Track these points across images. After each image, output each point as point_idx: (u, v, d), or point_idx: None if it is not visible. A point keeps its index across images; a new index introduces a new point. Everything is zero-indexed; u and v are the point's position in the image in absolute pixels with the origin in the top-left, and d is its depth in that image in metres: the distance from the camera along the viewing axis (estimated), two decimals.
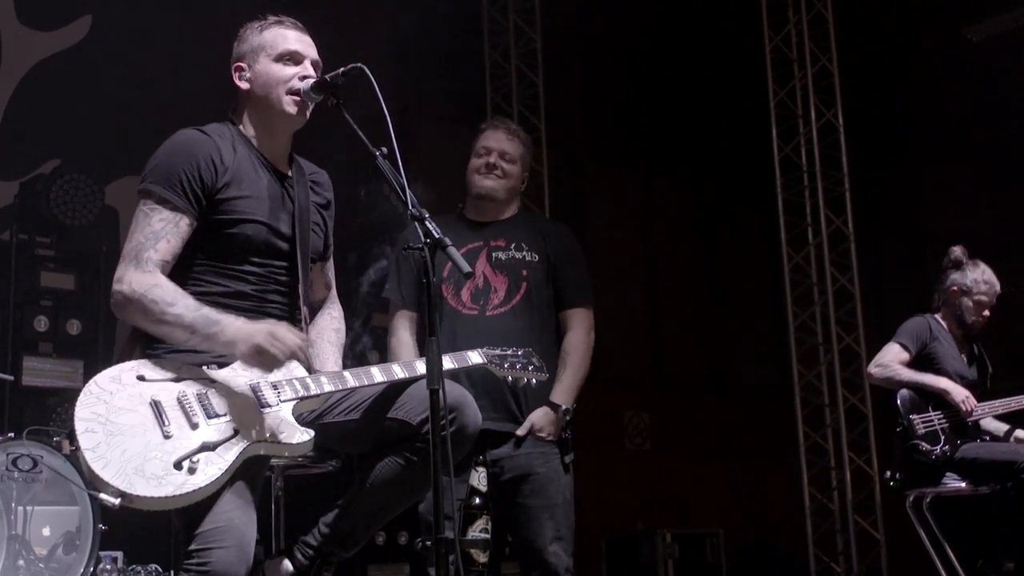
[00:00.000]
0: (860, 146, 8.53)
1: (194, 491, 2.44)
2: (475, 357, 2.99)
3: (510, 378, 3.04)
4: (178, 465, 2.44)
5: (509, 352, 3.07)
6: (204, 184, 2.70)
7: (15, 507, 4.35)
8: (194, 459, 2.46)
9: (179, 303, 2.60)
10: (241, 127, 2.87)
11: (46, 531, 4.48)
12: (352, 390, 2.76)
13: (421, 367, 2.76)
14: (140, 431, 2.46)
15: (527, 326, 3.72)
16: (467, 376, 3.48)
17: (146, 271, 2.62)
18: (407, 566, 6.13)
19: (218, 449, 2.50)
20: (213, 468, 2.47)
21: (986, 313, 5.08)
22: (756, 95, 8.35)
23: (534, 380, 3.07)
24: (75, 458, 4.40)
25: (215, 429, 2.52)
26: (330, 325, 3.02)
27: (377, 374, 2.75)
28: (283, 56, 2.83)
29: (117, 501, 2.38)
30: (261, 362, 2.59)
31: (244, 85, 2.85)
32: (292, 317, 2.80)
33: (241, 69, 2.86)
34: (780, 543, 8.87)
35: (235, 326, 2.59)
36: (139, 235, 2.66)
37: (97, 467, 2.39)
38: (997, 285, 5.10)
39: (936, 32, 9.39)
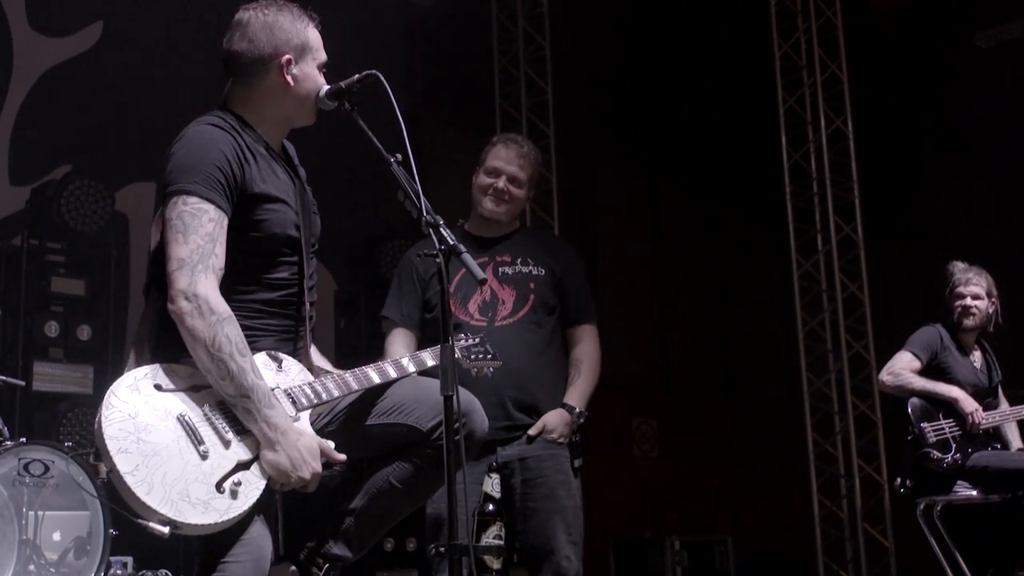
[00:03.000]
0: (870, 153, 8.52)
1: (238, 515, 2.40)
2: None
3: (474, 370, 3.05)
4: (219, 487, 2.39)
5: (469, 343, 3.08)
6: (237, 183, 2.60)
7: (26, 512, 4.35)
8: (235, 480, 2.41)
9: (248, 356, 2.48)
10: (242, 114, 2.74)
11: (57, 536, 4.47)
12: (358, 398, 2.74)
13: (409, 365, 2.78)
14: (176, 451, 2.39)
15: (535, 337, 3.76)
16: (476, 384, 3.50)
17: (217, 288, 2.49)
18: (415, 572, 6.12)
19: (252, 468, 2.45)
20: (253, 490, 2.43)
21: (968, 303, 5.08)
22: (765, 102, 8.35)
23: (491, 369, 3.07)
24: (95, 472, 4.41)
25: (246, 446, 2.48)
26: None
27: (373, 375, 2.73)
28: (323, 67, 2.79)
29: (167, 530, 2.30)
30: (277, 471, 2.47)
31: (291, 81, 2.73)
32: (300, 314, 2.75)
33: (291, 63, 2.73)
34: (789, 551, 8.84)
35: (287, 424, 2.48)
36: (196, 238, 2.49)
37: (141, 492, 2.30)
38: (983, 284, 5.11)
39: (946, 39, 9.39)
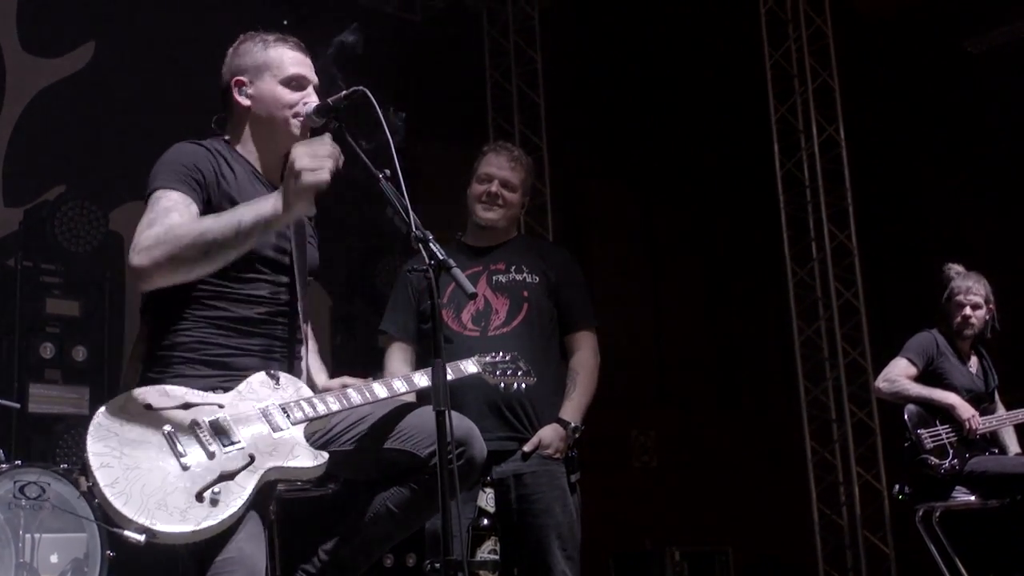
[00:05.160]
0: (862, 160, 8.53)
1: (217, 524, 2.39)
2: (470, 366, 2.98)
3: (502, 384, 3.03)
4: (200, 497, 2.39)
5: (498, 359, 3.07)
6: (206, 180, 2.64)
7: (23, 535, 4.34)
8: (215, 490, 2.40)
9: (205, 220, 2.47)
10: (235, 145, 2.81)
11: (54, 558, 4.46)
12: (358, 419, 2.74)
13: (420, 380, 2.77)
14: (157, 463, 2.41)
15: (529, 345, 3.70)
16: (472, 394, 3.49)
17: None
18: None
19: (237, 478, 2.45)
20: (235, 500, 2.42)
21: (967, 313, 5.08)
22: (757, 111, 8.37)
23: (523, 385, 3.06)
24: (91, 494, 4.40)
25: (231, 457, 2.47)
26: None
27: (379, 389, 2.74)
28: (290, 80, 2.79)
29: (142, 537, 2.32)
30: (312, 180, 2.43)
31: (245, 102, 2.79)
32: (293, 337, 2.77)
33: (242, 84, 2.79)
34: (789, 559, 8.82)
35: (272, 195, 2.48)
36: (148, 216, 2.53)
37: (118, 504, 2.33)
38: (981, 292, 5.11)
39: (936, 45, 9.41)
